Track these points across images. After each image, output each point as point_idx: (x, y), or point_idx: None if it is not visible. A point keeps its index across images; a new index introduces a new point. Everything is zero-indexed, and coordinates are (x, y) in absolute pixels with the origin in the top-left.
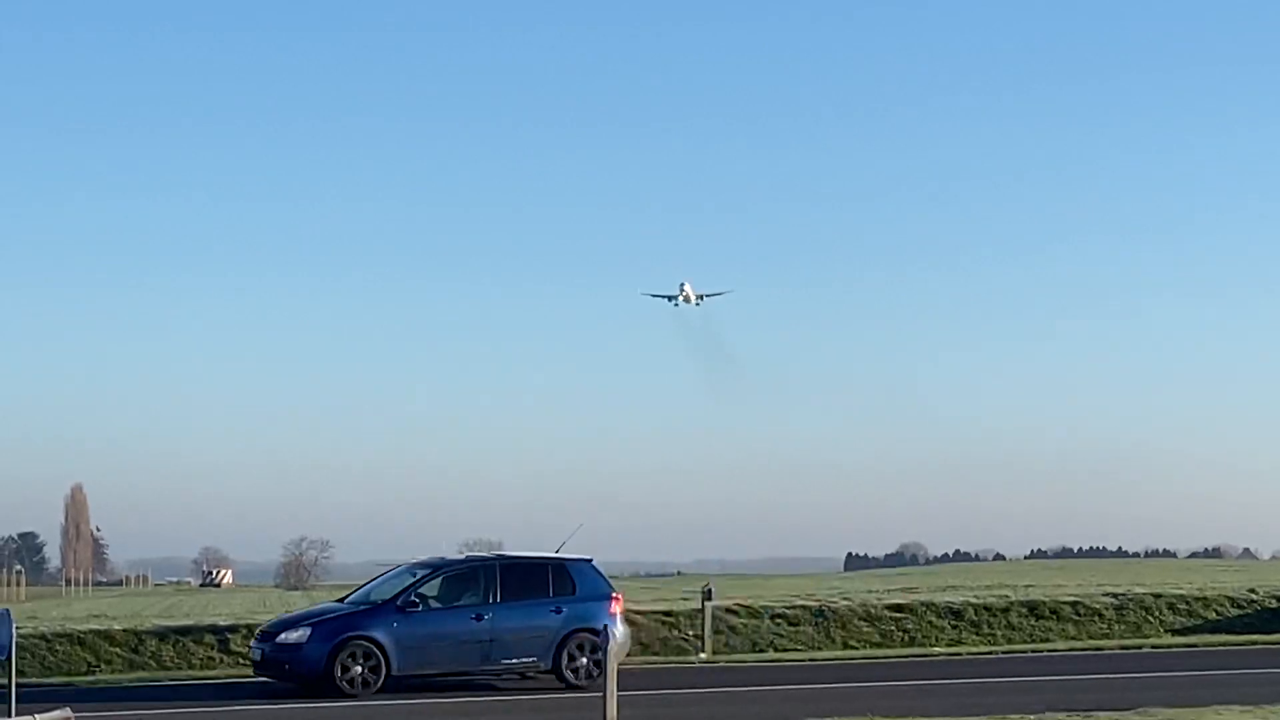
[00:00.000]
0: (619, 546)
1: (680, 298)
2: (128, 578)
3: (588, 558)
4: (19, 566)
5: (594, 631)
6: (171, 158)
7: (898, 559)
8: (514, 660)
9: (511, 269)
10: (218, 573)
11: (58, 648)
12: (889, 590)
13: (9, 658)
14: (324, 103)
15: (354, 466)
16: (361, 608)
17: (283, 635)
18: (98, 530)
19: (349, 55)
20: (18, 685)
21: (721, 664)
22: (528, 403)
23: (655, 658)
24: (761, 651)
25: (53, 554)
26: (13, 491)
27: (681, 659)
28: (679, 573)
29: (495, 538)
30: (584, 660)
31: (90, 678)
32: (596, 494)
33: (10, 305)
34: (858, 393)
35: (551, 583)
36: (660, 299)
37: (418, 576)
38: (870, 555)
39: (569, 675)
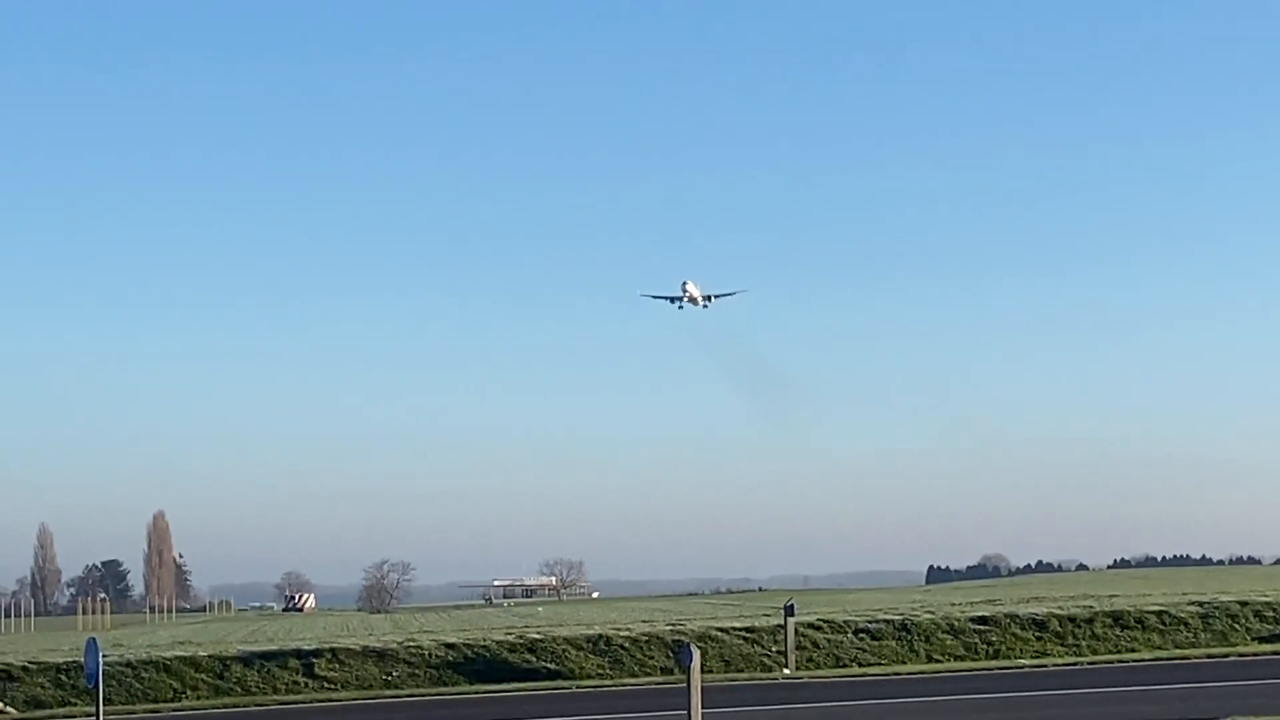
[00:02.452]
0: (699, 563)
1: (684, 299)
2: (211, 604)
3: None
4: (104, 594)
5: None
6: (251, 190)
7: (980, 571)
8: None
9: (574, 293)
10: (300, 597)
11: (144, 675)
12: (972, 603)
13: (96, 685)
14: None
15: (434, 489)
16: None
17: None
18: (180, 557)
19: (355, 73)
20: (105, 714)
21: (805, 680)
22: (603, 425)
23: (738, 675)
24: (845, 666)
25: (136, 581)
26: (96, 520)
27: (765, 675)
28: (760, 589)
29: (575, 558)
30: None
31: (177, 704)
32: (674, 512)
33: (93, 337)
34: (936, 405)
35: None
36: (662, 300)
37: None
38: (952, 568)
39: None
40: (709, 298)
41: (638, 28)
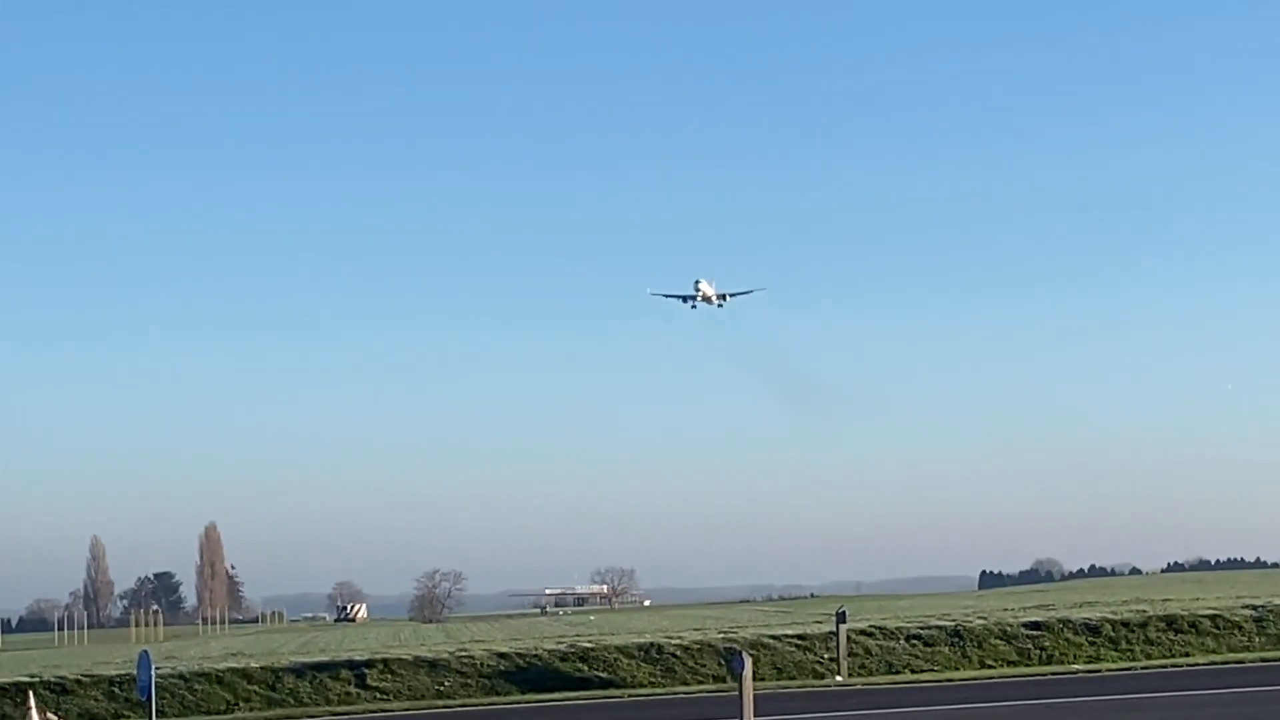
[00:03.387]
0: (750, 570)
1: (698, 298)
2: (263, 615)
3: None
4: (156, 606)
5: None
6: (288, 202)
7: (1032, 576)
8: None
9: (625, 301)
10: (352, 608)
11: (196, 687)
12: (1025, 608)
13: (149, 698)
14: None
15: (484, 498)
16: None
17: None
18: (232, 568)
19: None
20: None
21: (858, 686)
22: (654, 433)
23: (790, 681)
24: (897, 673)
25: (189, 593)
26: (148, 532)
27: (817, 682)
28: (812, 595)
29: (627, 566)
30: None
31: (229, 716)
32: (725, 520)
33: (145, 351)
34: (988, 411)
35: None
36: (674, 299)
37: None
38: (1005, 573)
39: None
40: (724, 296)
41: (651, 24)
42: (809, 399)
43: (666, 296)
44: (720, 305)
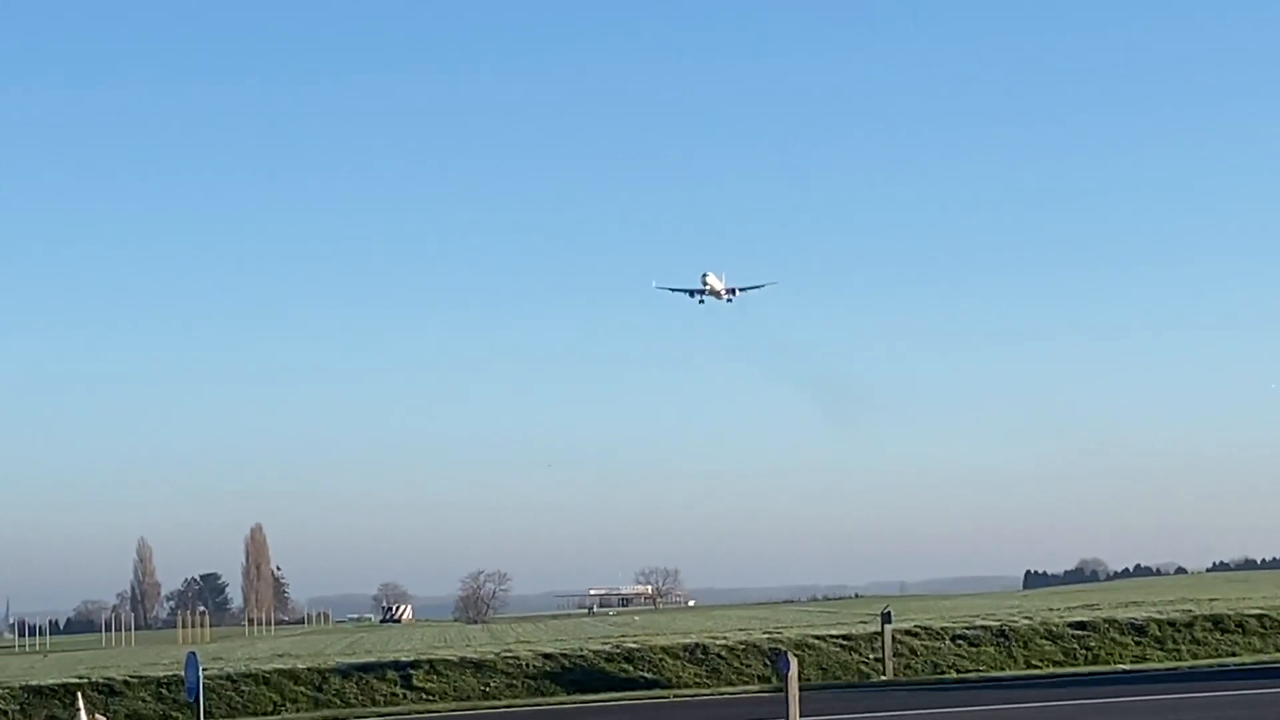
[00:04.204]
0: (795, 571)
1: (705, 292)
2: (309, 616)
3: None
4: (203, 607)
5: None
6: (323, 205)
7: (1077, 575)
8: None
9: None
10: (397, 608)
11: (243, 688)
12: (1070, 608)
13: (197, 699)
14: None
15: (529, 499)
16: None
17: None
18: (278, 570)
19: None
20: None
21: (904, 686)
22: (697, 434)
23: (835, 682)
24: (942, 673)
25: (235, 594)
26: (195, 534)
27: (862, 682)
28: (856, 595)
29: (671, 566)
30: None
31: (276, 717)
32: (769, 520)
33: (189, 354)
34: (1031, 410)
35: None
36: (681, 293)
37: None
38: (1049, 573)
39: None
40: (733, 291)
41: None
42: (846, 399)
43: (673, 290)
44: (729, 300)
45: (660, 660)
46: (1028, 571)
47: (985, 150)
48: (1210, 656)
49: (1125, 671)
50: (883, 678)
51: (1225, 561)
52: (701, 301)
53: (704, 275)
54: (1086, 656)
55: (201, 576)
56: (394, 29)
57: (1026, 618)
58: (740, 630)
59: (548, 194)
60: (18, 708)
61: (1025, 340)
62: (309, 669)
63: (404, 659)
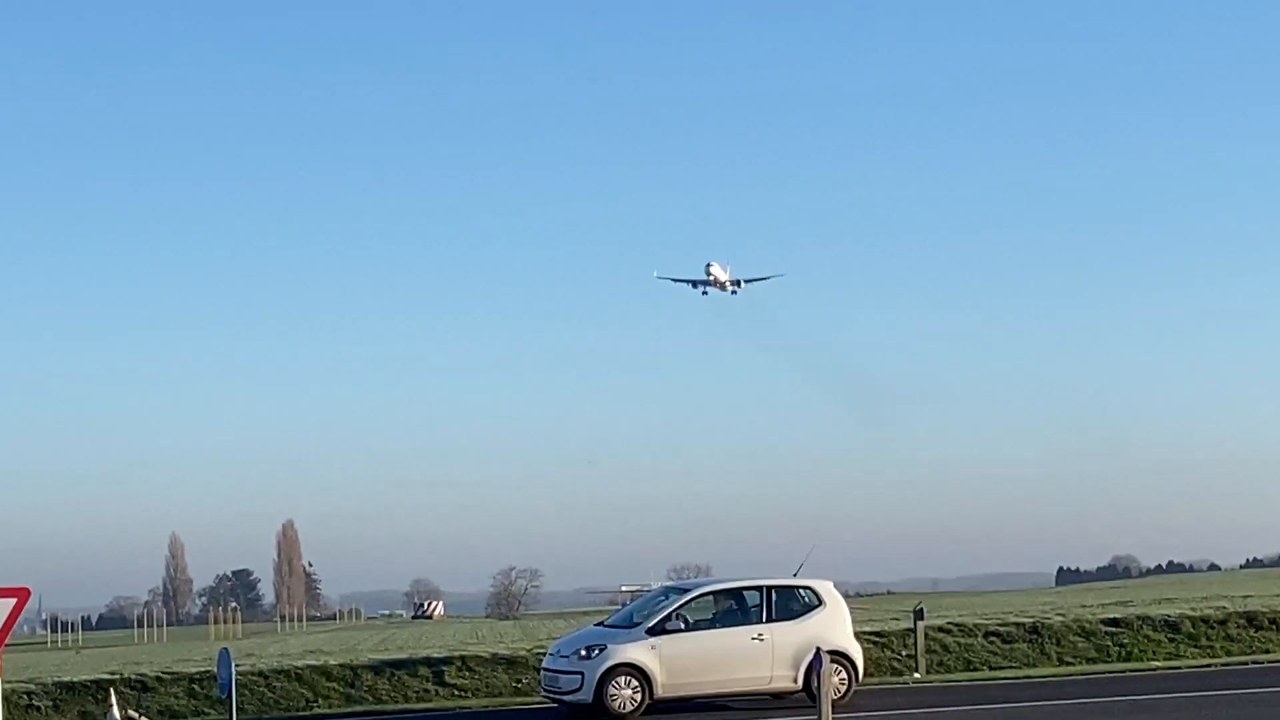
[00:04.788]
0: (826, 567)
1: (709, 283)
2: (341, 612)
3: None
4: (235, 603)
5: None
6: (314, 208)
7: (1110, 572)
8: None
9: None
10: (429, 605)
11: (275, 684)
12: (1103, 604)
13: (230, 696)
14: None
15: (560, 495)
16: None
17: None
18: (310, 566)
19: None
20: None
21: (936, 684)
22: (722, 430)
23: (869, 679)
24: (975, 670)
25: (267, 590)
26: (227, 530)
27: (895, 680)
28: (889, 592)
29: (702, 562)
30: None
31: (309, 713)
32: (799, 516)
33: (219, 349)
34: (1061, 406)
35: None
36: (683, 284)
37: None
38: (1082, 569)
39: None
40: (738, 282)
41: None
42: (871, 395)
43: (675, 281)
44: (734, 292)
45: None
46: (1060, 568)
47: (1020, 133)
48: (1244, 653)
49: (1159, 669)
50: (916, 675)
51: (1259, 558)
52: (705, 293)
53: (708, 265)
54: (1120, 654)
55: (233, 573)
56: (394, 17)
57: (1060, 614)
58: None
59: (553, 190)
60: (50, 704)
61: (1058, 335)
62: (341, 665)
63: (436, 655)
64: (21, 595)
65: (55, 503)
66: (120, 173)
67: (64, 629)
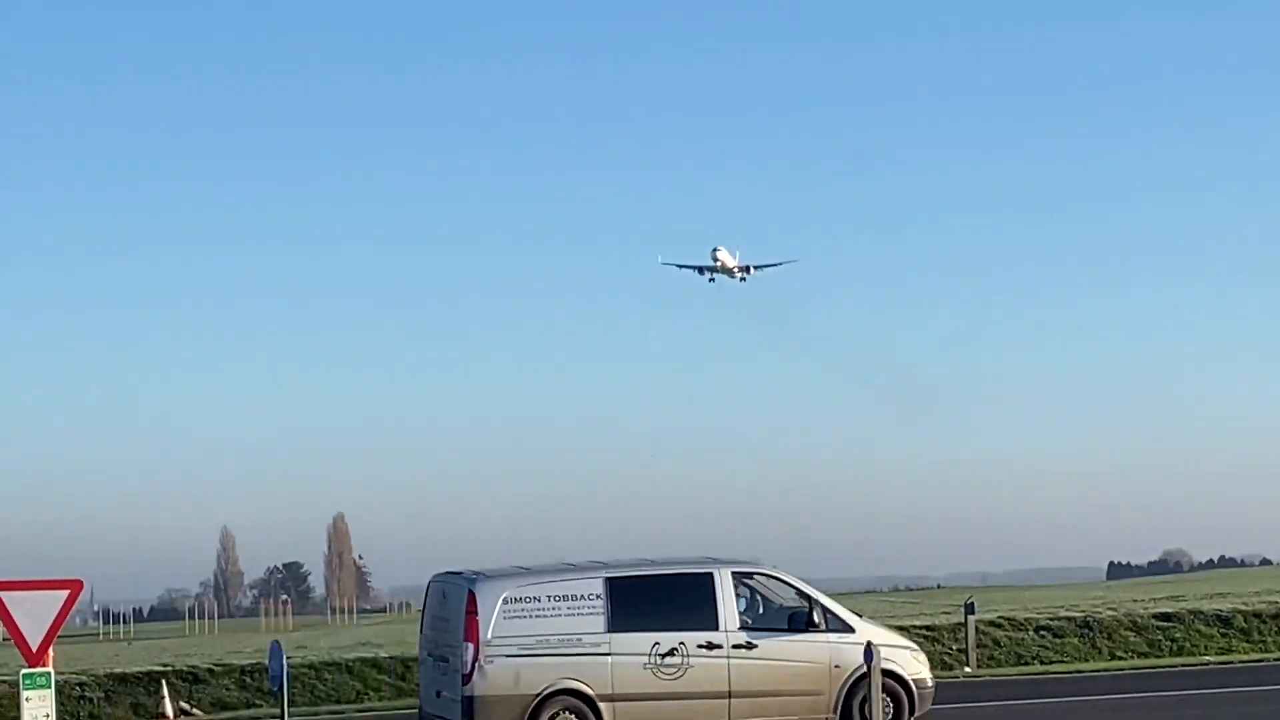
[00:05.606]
0: (876, 561)
1: (716, 269)
2: (391, 604)
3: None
4: (285, 596)
5: None
6: (417, 207)
7: (1161, 566)
8: None
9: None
10: None
11: (326, 676)
12: (1154, 599)
13: (281, 688)
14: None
15: (606, 487)
16: None
17: None
18: (360, 558)
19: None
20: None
21: (986, 678)
22: (769, 422)
23: None
24: (1027, 665)
25: (317, 583)
26: (277, 522)
27: (946, 674)
28: (939, 586)
29: (751, 557)
30: None
31: (359, 705)
32: (849, 509)
33: (271, 343)
34: (1112, 400)
35: None
36: (688, 270)
37: None
38: (1133, 563)
39: None
40: (747, 268)
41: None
42: (916, 389)
43: (680, 267)
44: (743, 279)
45: None
46: (1111, 562)
47: (1060, 119)
48: None
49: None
50: (967, 669)
51: None
52: (712, 280)
53: (714, 250)
54: (1172, 648)
55: (284, 565)
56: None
57: (1111, 609)
58: None
59: (560, 186)
60: (103, 695)
61: (1108, 324)
62: (392, 658)
63: None
64: (74, 587)
65: (107, 495)
66: (212, 164)
67: (116, 621)
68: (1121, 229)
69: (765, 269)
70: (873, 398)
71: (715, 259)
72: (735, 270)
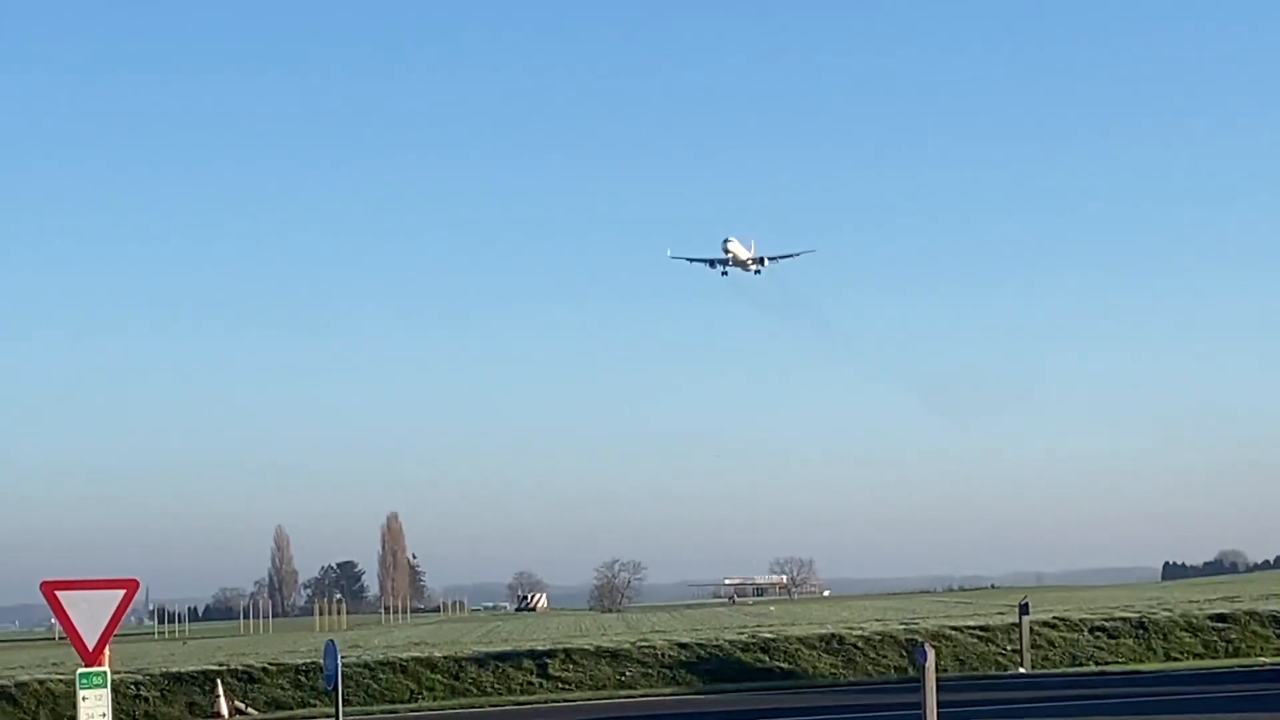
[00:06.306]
0: (930, 561)
1: (728, 261)
2: (445, 604)
3: None
4: (339, 595)
5: None
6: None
7: (1216, 567)
8: None
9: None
10: (533, 597)
11: (380, 676)
12: (1210, 600)
13: (336, 687)
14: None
15: (663, 489)
16: None
17: None
18: (414, 558)
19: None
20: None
21: (1040, 677)
22: (827, 423)
23: (973, 672)
24: (1081, 665)
25: (371, 582)
26: (332, 522)
27: (1000, 673)
28: (993, 586)
29: (805, 556)
30: None
31: (413, 705)
32: (904, 509)
33: (325, 343)
34: (1168, 400)
35: None
36: (700, 264)
37: None
38: (1188, 564)
39: None
40: (761, 260)
41: None
42: (967, 390)
43: (690, 260)
44: (757, 271)
45: (796, 650)
46: (1166, 562)
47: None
48: None
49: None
50: (1021, 669)
51: None
52: (724, 273)
53: (725, 242)
54: (1226, 649)
55: (338, 565)
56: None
57: (1166, 609)
58: (876, 621)
59: (576, 182)
60: (158, 694)
61: (1166, 327)
62: (445, 657)
63: (540, 648)
64: (130, 587)
65: (163, 496)
66: (282, 167)
67: (171, 620)
68: (1181, 227)
69: (780, 260)
70: (927, 400)
71: (726, 251)
72: (749, 262)
